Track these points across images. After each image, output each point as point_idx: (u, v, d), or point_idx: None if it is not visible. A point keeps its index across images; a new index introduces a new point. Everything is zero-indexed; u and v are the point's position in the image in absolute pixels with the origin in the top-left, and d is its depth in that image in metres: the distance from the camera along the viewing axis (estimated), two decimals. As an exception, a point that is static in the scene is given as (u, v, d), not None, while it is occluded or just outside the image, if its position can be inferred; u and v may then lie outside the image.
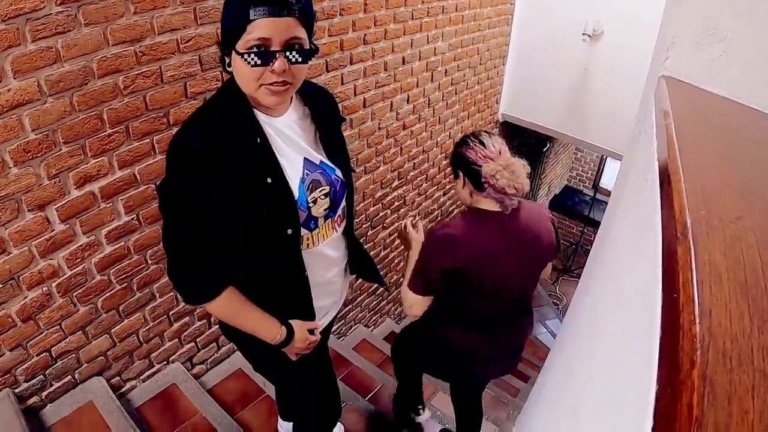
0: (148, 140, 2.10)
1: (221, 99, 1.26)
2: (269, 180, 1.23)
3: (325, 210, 1.39)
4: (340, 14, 2.77)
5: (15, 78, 1.63)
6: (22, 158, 1.74)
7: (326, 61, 2.82)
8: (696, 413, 0.31)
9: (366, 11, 2.94)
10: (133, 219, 2.18)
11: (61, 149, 1.83)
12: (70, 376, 2.22)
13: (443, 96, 4.07)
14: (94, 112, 1.88)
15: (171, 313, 2.56)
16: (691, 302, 0.39)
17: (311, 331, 1.49)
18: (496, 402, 3.79)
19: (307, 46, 1.15)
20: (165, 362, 2.65)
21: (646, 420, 0.38)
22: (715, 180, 0.62)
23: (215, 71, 2.23)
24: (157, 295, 2.45)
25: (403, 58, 3.43)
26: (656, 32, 1.34)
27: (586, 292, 1.51)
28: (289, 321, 1.43)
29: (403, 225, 2.08)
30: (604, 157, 8.43)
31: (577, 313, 1.60)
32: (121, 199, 2.11)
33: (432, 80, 3.84)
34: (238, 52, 1.10)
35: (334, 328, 3.77)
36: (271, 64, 1.10)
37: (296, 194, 1.29)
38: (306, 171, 1.33)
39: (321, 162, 1.38)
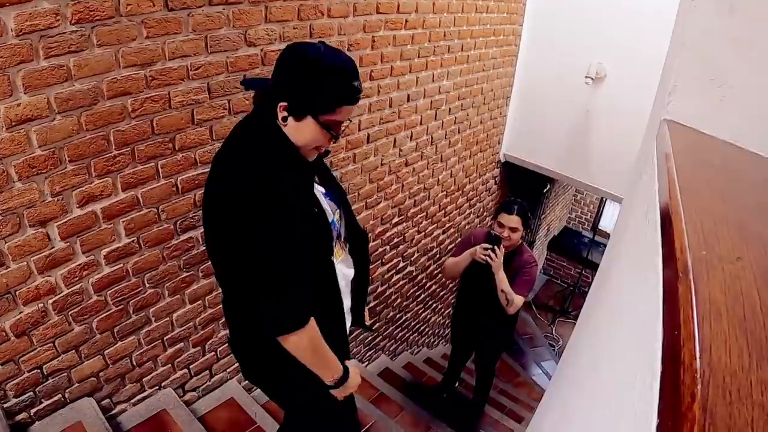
0: (152, 164, 2.11)
1: (271, 143, 1.39)
2: (315, 209, 1.48)
3: (345, 230, 1.67)
4: (348, 49, 2.80)
5: (25, 93, 1.65)
6: (26, 173, 1.74)
7: (332, 94, 2.84)
8: None
9: (373, 48, 2.98)
10: (133, 241, 2.17)
11: (66, 167, 1.84)
12: (60, 395, 2.18)
13: (446, 134, 4.10)
14: (101, 133, 1.89)
15: (166, 338, 2.53)
16: (692, 338, 0.40)
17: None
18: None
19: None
20: (157, 387, 2.60)
21: None
22: (716, 221, 0.63)
23: (222, 100, 2.26)
24: (153, 319, 2.42)
25: (408, 95, 3.46)
26: (658, 76, 1.36)
27: (584, 333, 1.50)
28: (345, 363, 1.60)
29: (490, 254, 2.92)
30: (604, 199, 8.44)
31: (574, 353, 1.59)
32: (123, 221, 2.10)
33: (435, 118, 3.88)
34: (319, 122, 1.35)
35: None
36: (336, 141, 1.44)
37: (330, 216, 1.56)
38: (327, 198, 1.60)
39: (327, 191, 1.63)
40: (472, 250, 3.07)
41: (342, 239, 1.67)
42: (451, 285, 5.35)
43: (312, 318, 1.41)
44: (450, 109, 3.99)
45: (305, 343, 1.43)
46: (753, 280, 0.49)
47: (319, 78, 1.31)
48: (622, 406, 0.57)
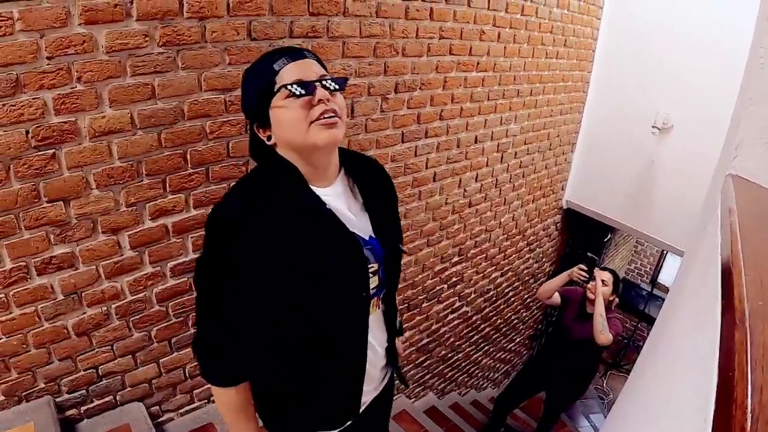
0: (225, 185, 2.13)
1: (264, 173, 1.16)
2: (335, 254, 1.13)
3: (373, 288, 1.24)
4: (420, 88, 2.79)
5: (111, 107, 1.69)
6: (105, 182, 1.78)
7: (402, 132, 2.82)
8: None
9: (445, 88, 2.96)
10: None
11: (142, 180, 1.87)
12: (111, 397, 2.19)
13: (510, 177, 4.01)
14: (179, 151, 1.93)
15: (220, 352, 2.51)
16: (745, 379, 0.42)
17: None
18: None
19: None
20: (206, 401, 2.59)
21: None
22: None
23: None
24: (210, 333, 2.41)
25: (476, 136, 3.41)
26: (725, 129, 1.34)
27: (638, 385, 1.45)
28: None
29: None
30: (665, 252, 8.07)
31: (626, 405, 1.54)
32: (191, 237, 2.12)
33: (501, 161, 3.80)
34: (277, 101, 1.06)
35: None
36: (314, 93, 1.04)
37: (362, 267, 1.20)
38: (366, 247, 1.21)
39: (370, 237, 1.24)
40: (569, 270, 3.42)
41: (380, 296, 1.31)
42: (505, 329, 5.18)
43: (242, 384, 1.20)
44: (516, 152, 3.90)
45: (222, 400, 1.23)
46: None
47: (245, 77, 1.14)
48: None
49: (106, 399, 2.18)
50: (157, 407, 2.38)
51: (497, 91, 3.38)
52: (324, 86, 1.06)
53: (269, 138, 1.12)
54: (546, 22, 3.54)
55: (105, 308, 1.98)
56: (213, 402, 2.61)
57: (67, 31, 1.54)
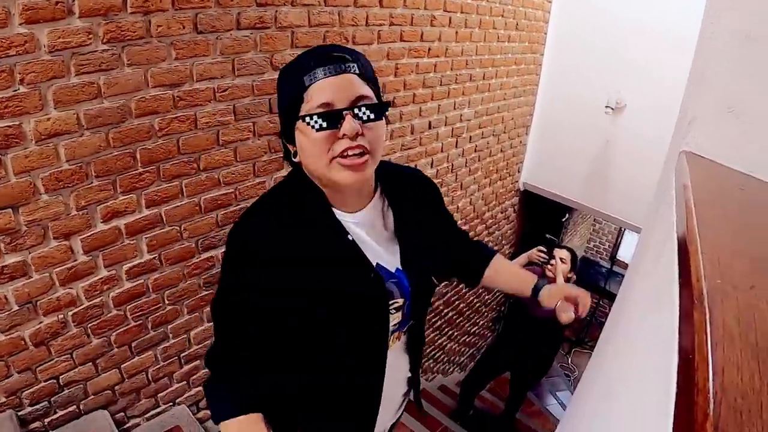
0: (177, 183, 2.12)
1: (289, 187, 1.09)
2: (353, 287, 1.06)
3: (395, 324, 1.17)
4: (371, 75, 2.81)
5: (56, 108, 1.67)
6: (53, 186, 1.75)
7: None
8: None
9: (396, 75, 2.99)
10: (154, 258, 2.17)
11: (92, 182, 1.85)
12: (74, 406, 2.16)
13: (466, 162, 4.08)
14: (128, 150, 1.91)
15: (182, 354, 2.51)
16: (706, 361, 0.42)
17: None
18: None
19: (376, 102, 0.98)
20: (171, 403, 2.58)
21: None
22: (731, 251, 0.64)
23: (247, 122, 2.27)
24: (171, 335, 2.41)
25: (430, 122, 3.46)
26: (678, 105, 1.35)
27: (601, 361, 1.48)
28: None
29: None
30: (623, 229, 8.32)
31: (591, 381, 1.57)
32: (146, 238, 2.10)
33: (456, 146, 3.86)
34: (304, 121, 0.93)
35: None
36: (339, 126, 0.92)
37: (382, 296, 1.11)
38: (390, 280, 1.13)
39: (397, 270, 1.15)
40: (528, 252, 3.50)
41: (402, 330, 1.24)
42: (468, 313, 5.28)
43: (255, 413, 1.08)
44: (471, 137, 3.98)
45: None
46: (765, 308, 0.51)
47: (279, 78, 1.03)
48: (639, 429, 0.60)
49: (70, 409, 2.15)
50: (122, 413, 2.36)
51: (450, 76, 3.43)
52: (356, 116, 0.94)
53: (295, 154, 1.03)
54: (497, 5, 3.62)
55: (62, 316, 1.95)
56: (179, 405, 2.60)
57: (8, 31, 1.51)
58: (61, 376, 2.06)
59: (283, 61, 2.29)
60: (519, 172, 4.97)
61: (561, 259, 3.33)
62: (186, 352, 2.52)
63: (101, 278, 2.02)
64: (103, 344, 2.14)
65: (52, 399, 2.07)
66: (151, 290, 2.22)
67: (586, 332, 7.83)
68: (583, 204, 4.72)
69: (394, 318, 1.15)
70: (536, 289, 1.44)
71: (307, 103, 0.93)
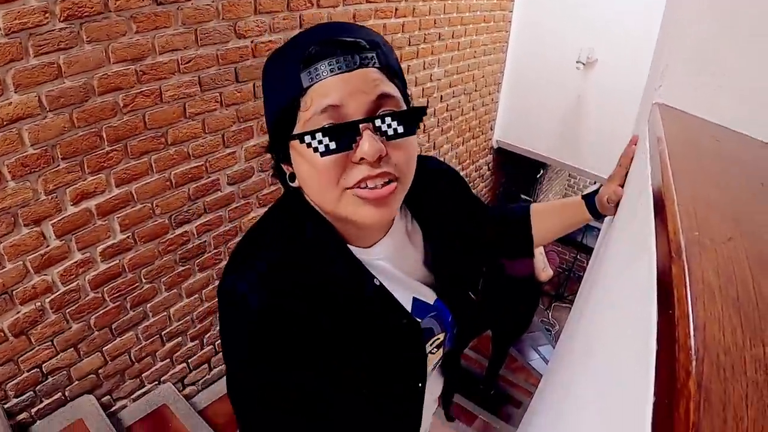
0: (146, 159, 2.11)
1: (287, 221, 0.81)
2: (384, 343, 0.84)
3: (434, 363, 0.98)
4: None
5: (16, 92, 1.64)
6: (20, 172, 1.73)
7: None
8: (693, 420, 0.33)
9: (364, 37, 2.97)
10: (128, 237, 2.17)
11: (59, 165, 1.83)
12: (60, 393, 2.18)
13: (438, 122, 4.10)
14: (93, 129, 1.89)
15: (163, 332, 2.53)
16: (686, 317, 0.41)
17: None
18: (488, 429, 3.75)
19: (404, 106, 0.72)
20: (156, 382, 2.61)
21: (646, 427, 0.39)
22: (708, 203, 0.63)
23: (213, 92, 2.25)
24: (150, 314, 2.43)
25: (400, 83, 3.45)
26: (649, 60, 1.34)
27: (580, 316, 1.50)
28: None
29: None
30: (598, 183, 8.44)
31: (570, 337, 1.60)
32: (117, 217, 2.10)
33: (427, 106, 3.86)
34: (297, 139, 0.66)
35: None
36: (354, 146, 0.66)
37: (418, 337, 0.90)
38: (416, 316, 0.88)
39: (436, 300, 0.94)
40: None
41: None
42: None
43: None
44: (442, 96, 3.99)
45: None
46: (745, 260, 0.49)
47: (265, 74, 0.76)
48: (620, 386, 0.57)
49: (55, 397, 2.18)
50: (109, 397, 2.39)
51: (418, 36, 3.42)
52: (378, 129, 0.67)
53: (292, 177, 0.78)
54: (462, -39, 3.59)
55: (39, 304, 1.96)
56: (164, 383, 2.64)
57: (-39, 17, 1.48)
58: (43, 365, 2.08)
59: (247, 29, 2.26)
60: (492, 130, 5.01)
61: None
62: (167, 330, 2.55)
63: (76, 262, 2.02)
64: (83, 329, 2.15)
65: (36, 388, 2.10)
66: (127, 270, 2.23)
67: (565, 287, 8.02)
68: (557, 159, 4.80)
69: (435, 356, 0.96)
70: (591, 205, 1.17)
71: (307, 109, 0.67)
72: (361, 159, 0.66)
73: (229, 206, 2.56)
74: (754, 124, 1.03)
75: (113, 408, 2.43)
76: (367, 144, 0.65)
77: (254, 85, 2.40)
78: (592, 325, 1.07)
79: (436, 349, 0.95)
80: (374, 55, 0.68)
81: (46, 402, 2.15)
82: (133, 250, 2.22)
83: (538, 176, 6.89)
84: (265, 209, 2.47)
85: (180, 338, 2.64)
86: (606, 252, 1.36)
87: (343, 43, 0.67)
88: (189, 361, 2.76)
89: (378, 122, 0.67)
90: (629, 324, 0.63)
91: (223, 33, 2.18)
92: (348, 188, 0.69)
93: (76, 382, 2.23)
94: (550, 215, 1.25)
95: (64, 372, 2.16)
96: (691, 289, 0.44)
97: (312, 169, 0.69)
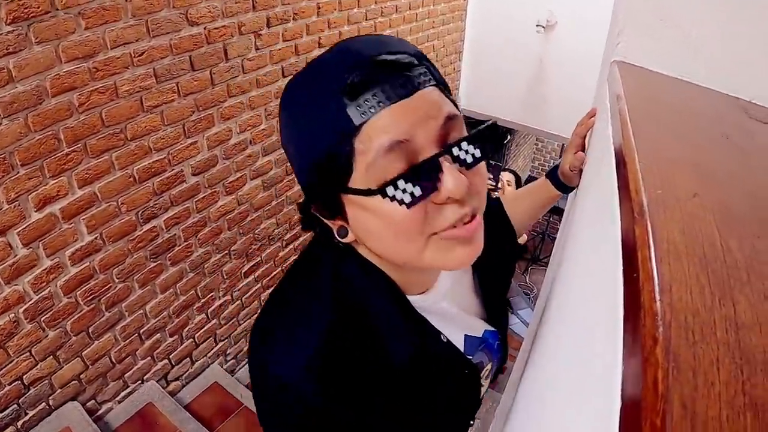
0: (106, 157, 2.10)
1: (331, 279, 0.69)
2: (446, 392, 0.78)
3: (483, 394, 0.93)
4: (293, 19, 2.79)
5: (-32, 102, 1.62)
6: (-21, 183, 1.73)
7: (282, 66, 2.84)
8: (661, 389, 0.31)
9: (319, 14, 2.97)
10: (96, 238, 2.17)
11: (18, 172, 1.82)
12: (44, 403, 2.20)
13: (402, 95, 4.11)
14: (50, 132, 1.88)
15: (141, 331, 2.55)
16: (651, 280, 0.39)
17: None
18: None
19: (464, 125, 0.64)
20: (139, 381, 2.64)
21: (615, 401, 0.37)
22: (671, 159, 0.62)
23: (170, 83, 2.24)
24: (126, 313, 2.44)
25: (360, 59, 3.46)
26: (609, 20, 1.36)
27: (553, 280, 1.53)
28: None
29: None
30: (565, 145, 8.56)
31: (545, 300, 1.62)
32: (83, 219, 2.10)
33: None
34: (373, 194, 0.56)
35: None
36: (438, 186, 0.57)
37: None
38: (467, 353, 0.83)
39: (484, 332, 0.88)
40: None
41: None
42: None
43: None
44: (403, 67, 3.99)
45: None
46: (711, 217, 0.48)
47: (289, 114, 0.63)
48: (592, 357, 0.55)
49: (40, 407, 2.19)
50: (93, 401, 2.42)
51: (374, 10, 3.42)
52: (456, 158, 0.59)
53: (342, 233, 0.66)
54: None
55: (13, 315, 1.96)
56: (147, 381, 2.66)
57: None
58: (24, 376, 2.09)
59: (199, 16, 2.25)
60: (456, 98, 5.03)
61: (507, 182, 3.48)
62: (144, 328, 2.57)
63: (45, 269, 2.02)
64: (61, 335, 2.16)
65: (20, 401, 2.11)
66: (98, 271, 2.24)
67: (541, 249, 8.18)
68: (523, 124, 4.86)
69: (484, 388, 0.91)
70: (556, 180, 1.19)
71: (365, 154, 0.56)
72: (449, 198, 0.57)
73: (195, 197, 2.57)
74: (715, 77, 1.03)
75: (99, 412, 2.45)
76: (452, 181, 0.56)
77: (210, 72, 2.40)
78: (563, 291, 1.07)
79: (485, 381, 0.90)
80: (426, 70, 0.60)
81: (31, 414, 2.16)
82: (102, 250, 2.22)
83: (505, 142, 6.98)
84: (233, 197, 2.44)
85: (159, 335, 2.66)
86: (573, 216, 1.37)
87: (391, 64, 0.57)
88: (170, 357, 2.78)
89: (455, 150, 0.58)
90: (598, 290, 0.61)
91: (174, 22, 2.17)
92: (434, 234, 0.60)
93: (59, 390, 2.24)
94: (520, 202, 1.27)
95: (46, 381, 2.18)
96: (656, 250, 0.42)
97: (387, 222, 0.59)
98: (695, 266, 0.41)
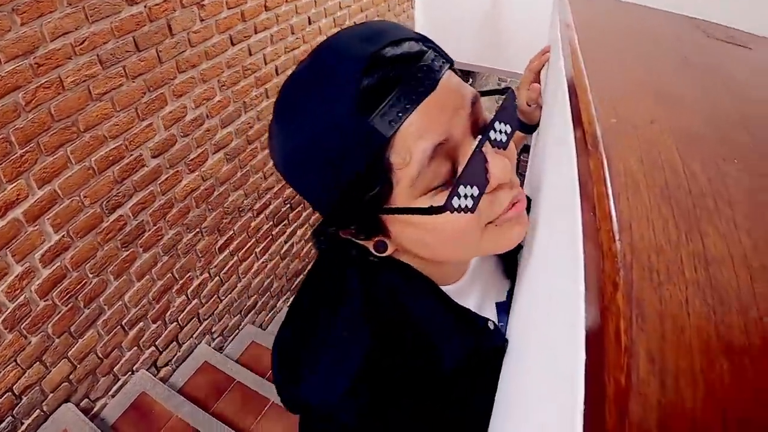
0: (62, 152, 2.06)
1: (364, 293, 0.64)
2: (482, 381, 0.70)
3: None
4: (235, -16, 2.71)
5: None
6: (-65, 200, 1.68)
7: (230, 35, 2.76)
8: (624, 341, 0.28)
9: (264, -24, 2.89)
10: (64, 236, 2.14)
11: (-27, 181, 1.77)
12: (38, 410, 2.21)
13: (356, 48, 4.05)
14: (0, 136, 1.82)
15: (123, 322, 2.55)
16: (608, 218, 0.36)
17: None
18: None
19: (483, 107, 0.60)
20: (129, 373, 2.65)
21: (579, 359, 0.34)
22: (625, 86, 0.60)
23: (117, 68, 2.17)
24: (106, 307, 2.43)
25: (309, 18, 3.38)
26: None
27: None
28: None
29: None
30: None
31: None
32: (48, 219, 2.07)
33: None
34: (439, 211, 0.51)
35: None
36: (487, 177, 0.54)
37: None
38: (500, 323, 0.76)
39: (507, 292, 0.81)
40: None
41: None
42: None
43: None
44: (355, 22, 3.92)
45: None
46: (672, 143, 0.45)
47: (292, 136, 0.56)
48: (557, 308, 0.50)
49: (35, 415, 2.20)
50: (86, 400, 2.43)
51: (320, -38, 3.33)
52: (492, 141, 0.55)
53: (380, 248, 0.62)
54: None
55: (-8, 327, 1.94)
56: (137, 371, 2.68)
57: None
58: (14, 386, 2.09)
59: (139, -4, 2.17)
60: (411, 45, 4.98)
61: None
62: (126, 318, 2.57)
63: (17, 275, 1.99)
64: (43, 340, 2.16)
65: (13, 412, 2.11)
66: (71, 269, 2.21)
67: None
68: (482, 65, 4.83)
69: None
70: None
71: (405, 168, 0.51)
72: (500, 184, 0.56)
73: (158, 180, 2.53)
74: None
75: (94, 410, 2.47)
76: (499, 167, 0.54)
77: (157, 50, 2.33)
78: (529, 239, 1.02)
79: None
80: (437, 54, 0.55)
81: (26, 423, 2.17)
82: (71, 248, 2.20)
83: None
84: (197, 174, 2.40)
85: (141, 323, 2.66)
86: (535, 154, 1.35)
87: (401, 57, 0.52)
88: (156, 343, 2.80)
89: (491, 134, 0.54)
90: (560, 231, 0.56)
91: (113, 4, 2.09)
92: (490, 223, 0.59)
93: (51, 395, 2.25)
94: None
95: (37, 388, 2.18)
96: (612, 184, 0.39)
97: (450, 232, 0.56)
98: (657, 197, 0.38)
